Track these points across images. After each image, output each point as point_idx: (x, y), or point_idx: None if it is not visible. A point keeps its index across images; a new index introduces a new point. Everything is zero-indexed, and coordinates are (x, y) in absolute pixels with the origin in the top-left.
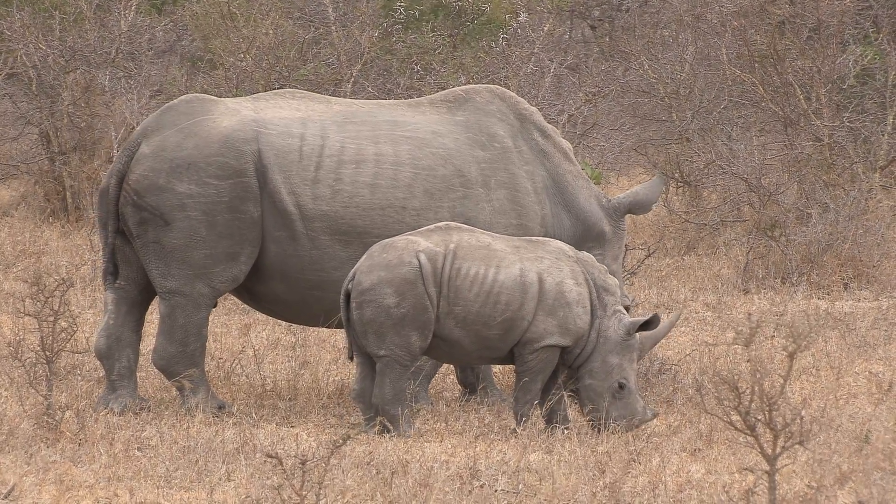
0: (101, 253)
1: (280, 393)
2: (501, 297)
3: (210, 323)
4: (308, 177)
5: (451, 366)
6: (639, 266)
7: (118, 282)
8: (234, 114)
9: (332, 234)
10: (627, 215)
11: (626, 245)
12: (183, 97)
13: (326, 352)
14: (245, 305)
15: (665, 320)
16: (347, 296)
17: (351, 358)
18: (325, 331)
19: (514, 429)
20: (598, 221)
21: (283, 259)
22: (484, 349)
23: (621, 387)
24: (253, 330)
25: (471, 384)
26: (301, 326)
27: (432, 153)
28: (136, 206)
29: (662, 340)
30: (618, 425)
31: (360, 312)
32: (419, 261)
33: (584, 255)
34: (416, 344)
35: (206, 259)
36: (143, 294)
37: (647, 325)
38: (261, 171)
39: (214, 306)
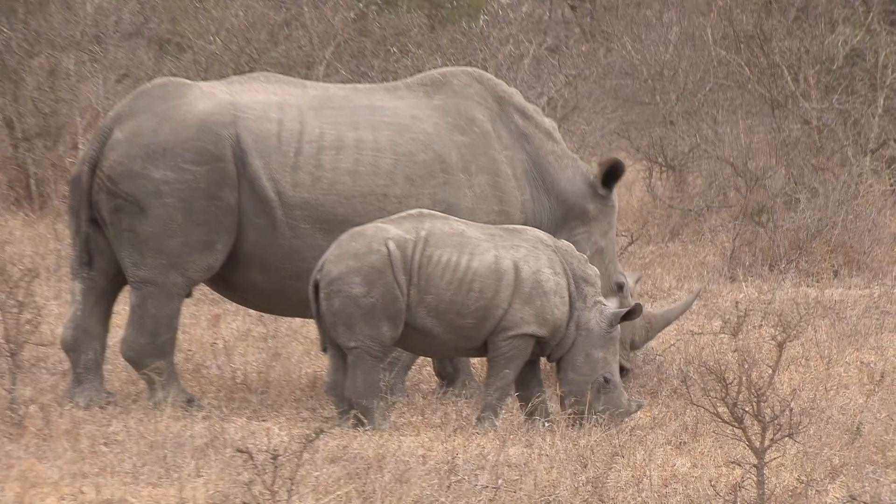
0: (67, 242)
1: (251, 386)
2: (475, 284)
3: None
4: (288, 163)
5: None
6: (622, 253)
7: (90, 272)
8: (210, 97)
9: (313, 222)
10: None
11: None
12: (156, 81)
13: (299, 343)
14: (215, 295)
15: (682, 301)
16: (316, 286)
17: (324, 350)
18: (297, 321)
19: (479, 418)
20: (581, 200)
21: (263, 247)
22: (458, 339)
23: (606, 381)
24: (223, 320)
25: (448, 375)
26: (272, 316)
27: (412, 139)
28: (110, 193)
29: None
30: (603, 419)
31: (329, 303)
32: (388, 248)
33: (563, 243)
34: (386, 334)
35: (181, 247)
36: (113, 284)
37: (629, 316)
38: (239, 157)
39: (189, 296)
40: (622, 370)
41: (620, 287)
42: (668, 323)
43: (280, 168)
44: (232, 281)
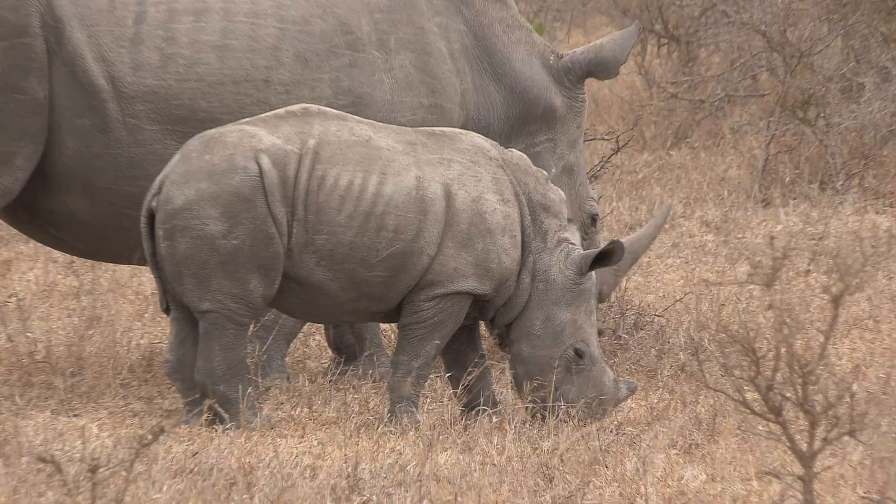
0: None
1: (57, 364)
2: (388, 220)
3: None
4: (125, 35)
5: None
6: (602, 167)
7: None
8: None
9: (162, 121)
10: (587, 81)
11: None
12: None
13: (127, 302)
14: (5, 231)
15: (648, 224)
16: (152, 218)
17: (165, 312)
18: (125, 270)
19: (392, 411)
20: (544, 91)
21: (88, 160)
22: (362, 299)
23: (579, 354)
24: (15, 268)
25: (348, 348)
26: (88, 263)
27: (305, 0)
28: None
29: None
30: (577, 411)
31: (172, 245)
32: (260, 165)
33: (514, 154)
34: (256, 292)
35: None
36: None
37: (604, 259)
38: (52, 28)
39: None
40: (598, 332)
41: (594, 219)
42: (638, 256)
43: (114, 42)
44: (39, 210)
